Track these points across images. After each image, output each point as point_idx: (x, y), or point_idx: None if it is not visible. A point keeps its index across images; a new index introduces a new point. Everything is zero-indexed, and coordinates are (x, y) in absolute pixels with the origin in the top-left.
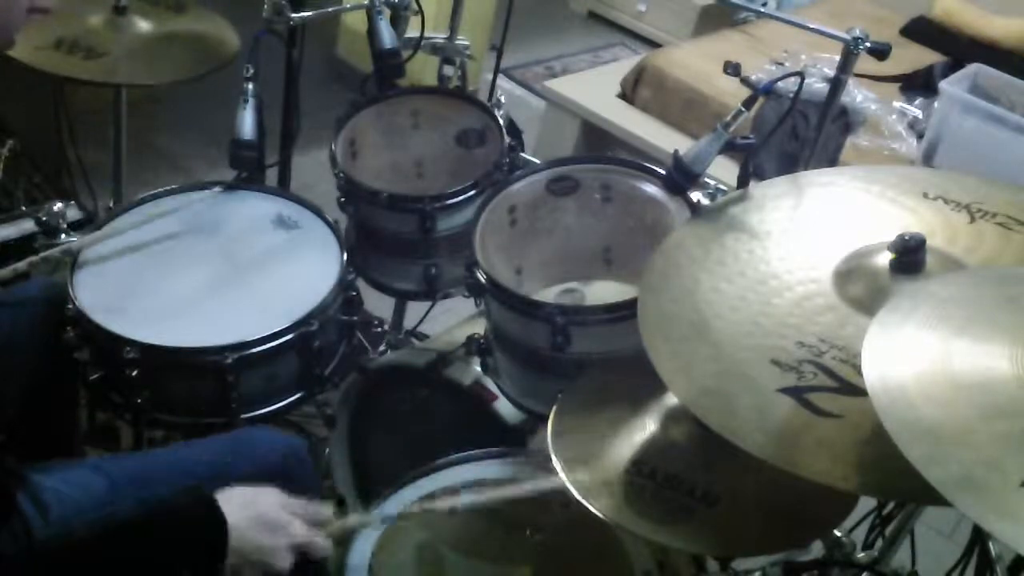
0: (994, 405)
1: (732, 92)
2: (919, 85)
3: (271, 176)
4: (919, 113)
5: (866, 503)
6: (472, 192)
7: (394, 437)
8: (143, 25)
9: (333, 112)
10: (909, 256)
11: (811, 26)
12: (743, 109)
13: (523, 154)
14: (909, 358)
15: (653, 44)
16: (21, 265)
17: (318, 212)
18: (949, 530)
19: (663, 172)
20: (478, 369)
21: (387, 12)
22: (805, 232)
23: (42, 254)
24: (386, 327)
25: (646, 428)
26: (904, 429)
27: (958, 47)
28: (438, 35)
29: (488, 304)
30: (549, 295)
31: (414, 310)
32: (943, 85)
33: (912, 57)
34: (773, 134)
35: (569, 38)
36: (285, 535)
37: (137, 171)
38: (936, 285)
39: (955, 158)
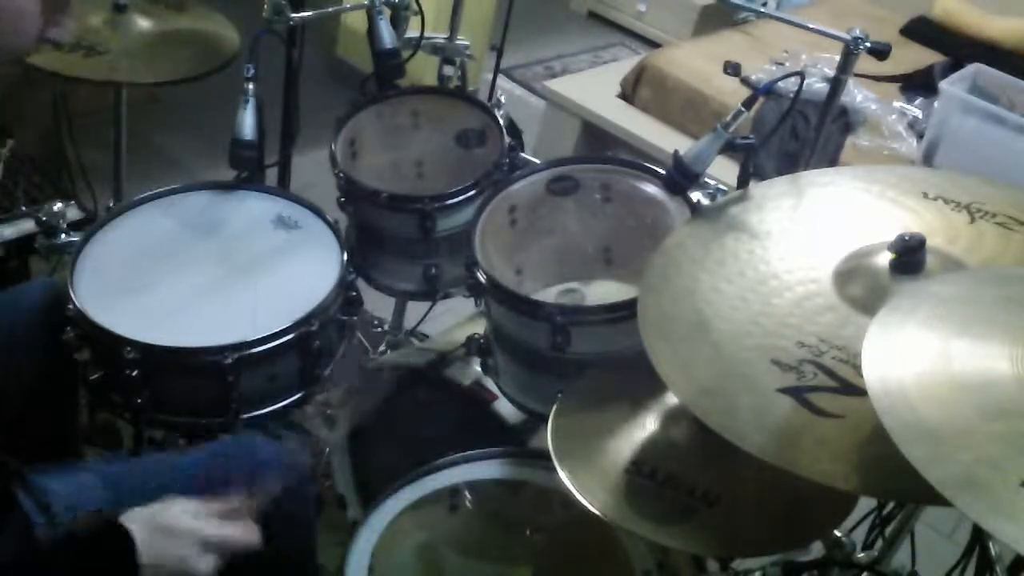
0: (994, 405)
1: (732, 92)
2: (919, 85)
3: (271, 176)
4: (919, 113)
5: (866, 503)
6: (472, 192)
7: (394, 437)
8: (143, 24)
9: (333, 112)
10: (909, 256)
11: (811, 26)
12: (743, 109)
13: (523, 154)
14: (909, 358)
15: (653, 44)
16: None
17: (318, 212)
18: (949, 530)
19: (663, 172)
20: (478, 369)
21: (387, 12)
22: (805, 232)
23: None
24: (386, 327)
25: (646, 428)
26: (904, 429)
27: (958, 47)
28: (438, 35)
29: (488, 304)
30: (549, 295)
31: (414, 310)
32: (943, 85)
33: (912, 57)
34: (773, 134)
35: (569, 38)
36: (192, 538)
37: (137, 171)
38: (936, 285)
39: (955, 158)
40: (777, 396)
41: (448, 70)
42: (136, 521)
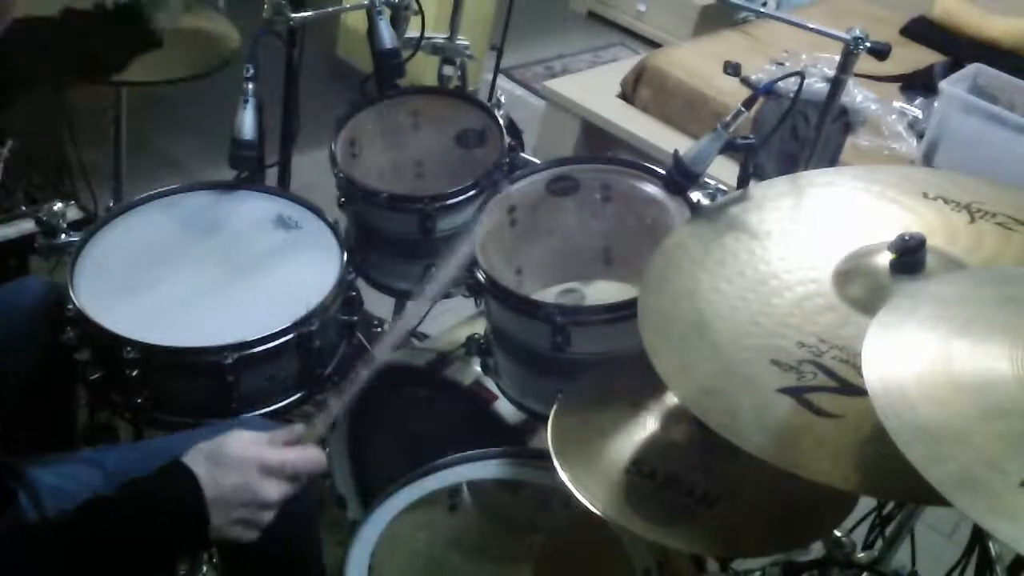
0: (994, 405)
1: (732, 92)
2: (919, 85)
3: (271, 176)
4: (919, 113)
5: (866, 503)
6: (472, 192)
7: (394, 437)
8: None
9: (333, 112)
10: (909, 256)
11: (811, 26)
12: (743, 109)
13: (523, 154)
14: (909, 358)
15: (653, 44)
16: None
17: (318, 212)
18: (949, 530)
19: (663, 172)
20: (478, 369)
21: (387, 12)
22: (805, 232)
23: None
24: (386, 327)
25: (646, 428)
26: (904, 429)
27: (958, 47)
28: (438, 35)
29: (488, 304)
30: (549, 295)
31: None
32: (943, 85)
33: (912, 57)
34: (773, 134)
35: (569, 38)
36: (253, 464)
37: (137, 171)
38: (936, 285)
39: (955, 158)
40: (777, 396)
41: (448, 70)
42: (197, 459)
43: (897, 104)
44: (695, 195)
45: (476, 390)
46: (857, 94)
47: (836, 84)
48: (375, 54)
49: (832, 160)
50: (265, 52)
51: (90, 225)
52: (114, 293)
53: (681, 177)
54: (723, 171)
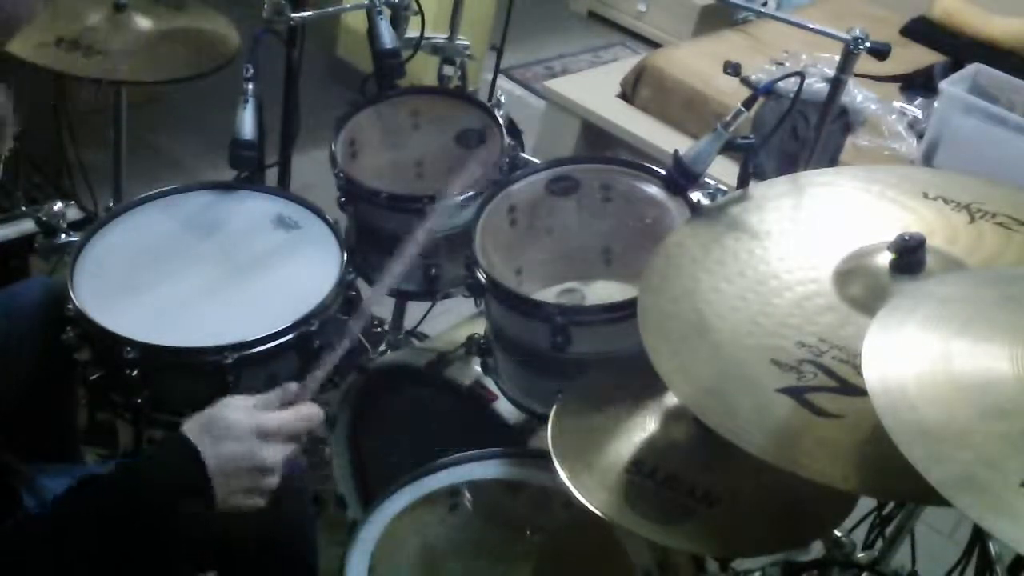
0: (994, 405)
1: (732, 92)
2: (919, 85)
3: (271, 176)
4: (919, 113)
5: (866, 503)
6: (472, 192)
7: (394, 437)
8: (143, 23)
9: (333, 112)
10: (909, 256)
11: (811, 26)
12: (743, 109)
13: (523, 154)
14: (909, 358)
15: (653, 44)
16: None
17: (318, 212)
18: (949, 530)
19: (663, 172)
20: (478, 369)
21: (387, 12)
22: (805, 232)
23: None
24: (386, 327)
25: (646, 428)
26: (904, 429)
27: (958, 47)
28: (438, 35)
29: (488, 304)
30: (549, 295)
31: (414, 310)
32: (943, 85)
33: (912, 57)
34: (773, 134)
35: (569, 38)
36: (248, 430)
37: (137, 171)
38: (936, 285)
39: (955, 158)
40: (777, 396)
41: (448, 70)
42: (193, 431)
43: (897, 104)
44: (695, 195)
45: (476, 390)
46: (857, 94)
47: (836, 84)
48: (375, 54)
49: (832, 160)
50: (265, 52)
51: (90, 225)
52: (114, 293)
53: (681, 177)
54: (723, 171)
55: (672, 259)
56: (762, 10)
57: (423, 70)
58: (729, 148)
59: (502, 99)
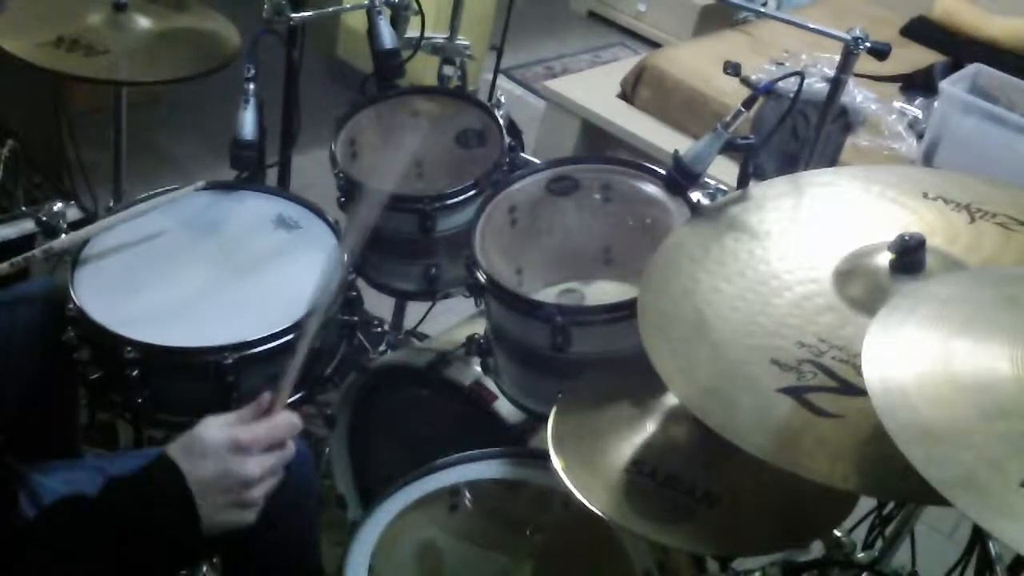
0: (994, 405)
1: (732, 92)
2: (919, 85)
3: (271, 176)
4: (919, 113)
5: (866, 503)
6: (472, 192)
7: (394, 437)
8: (143, 23)
9: (333, 112)
10: (909, 256)
11: (811, 26)
12: (743, 109)
13: (523, 154)
14: (909, 358)
15: (653, 44)
16: (18, 260)
17: (318, 212)
18: (949, 530)
19: (663, 172)
20: (478, 369)
21: (387, 12)
22: (805, 232)
23: (38, 249)
24: (386, 327)
25: (646, 428)
26: (904, 429)
27: (958, 47)
28: (438, 35)
29: (488, 304)
30: (549, 295)
31: (414, 310)
32: (943, 85)
33: (912, 57)
34: (773, 134)
35: (569, 38)
36: (224, 447)
37: (137, 171)
38: (936, 285)
39: (955, 158)
40: (777, 396)
41: (448, 70)
42: (176, 453)
43: (897, 104)
44: (695, 195)
45: (476, 390)
46: (857, 94)
47: (836, 84)
48: (375, 54)
49: (832, 160)
50: (265, 52)
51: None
52: (114, 293)
53: (681, 177)
54: (723, 171)
55: (672, 259)
56: (762, 10)
57: (423, 70)
58: (729, 148)
59: (502, 99)
